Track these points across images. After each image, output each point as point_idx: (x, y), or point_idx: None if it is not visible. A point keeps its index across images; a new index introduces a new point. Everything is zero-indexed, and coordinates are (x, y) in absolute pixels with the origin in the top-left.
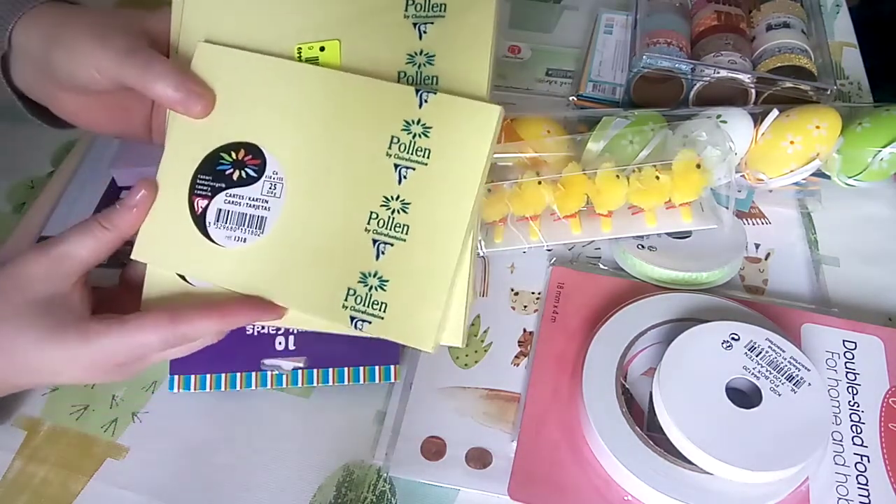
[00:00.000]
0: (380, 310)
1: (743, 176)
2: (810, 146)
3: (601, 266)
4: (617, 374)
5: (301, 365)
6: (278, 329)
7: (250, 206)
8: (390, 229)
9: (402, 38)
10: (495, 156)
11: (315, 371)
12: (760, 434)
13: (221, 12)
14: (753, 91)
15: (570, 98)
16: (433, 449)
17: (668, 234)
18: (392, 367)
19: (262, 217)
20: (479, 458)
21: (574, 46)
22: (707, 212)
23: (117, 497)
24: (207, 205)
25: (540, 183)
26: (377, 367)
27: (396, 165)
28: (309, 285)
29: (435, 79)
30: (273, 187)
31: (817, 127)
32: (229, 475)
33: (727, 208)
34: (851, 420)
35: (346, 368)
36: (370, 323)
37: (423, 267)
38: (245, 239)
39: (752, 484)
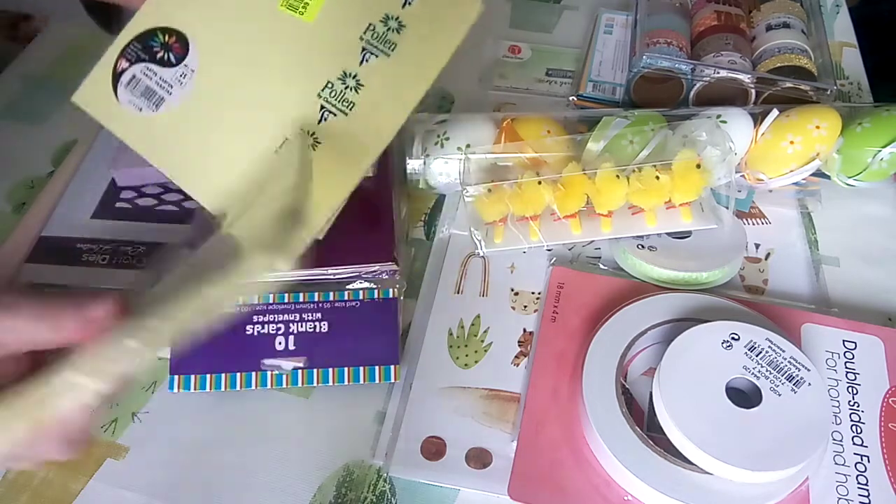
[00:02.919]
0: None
1: (743, 176)
2: (810, 146)
3: (601, 266)
4: (617, 374)
5: (301, 365)
6: (278, 329)
7: (158, 84)
8: (339, 102)
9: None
10: (495, 156)
11: (315, 371)
12: (760, 434)
13: None
14: (753, 91)
15: (570, 98)
16: (433, 449)
17: (668, 234)
18: (392, 367)
19: (161, 98)
20: (479, 458)
21: (574, 46)
22: (707, 212)
23: (117, 497)
24: (126, 68)
25: (540, 183)
26: (377, 367)
27: (364, 49)
28: (200, 167)
29: (394, 45)
30: (183, 76)
31: (817, 127)
32: (229, 475)
33: (727, 208)
34: (851, 420)
35: (346, 368)
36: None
37: (347, 148)
38: (141, 109)
39: (752, 484)
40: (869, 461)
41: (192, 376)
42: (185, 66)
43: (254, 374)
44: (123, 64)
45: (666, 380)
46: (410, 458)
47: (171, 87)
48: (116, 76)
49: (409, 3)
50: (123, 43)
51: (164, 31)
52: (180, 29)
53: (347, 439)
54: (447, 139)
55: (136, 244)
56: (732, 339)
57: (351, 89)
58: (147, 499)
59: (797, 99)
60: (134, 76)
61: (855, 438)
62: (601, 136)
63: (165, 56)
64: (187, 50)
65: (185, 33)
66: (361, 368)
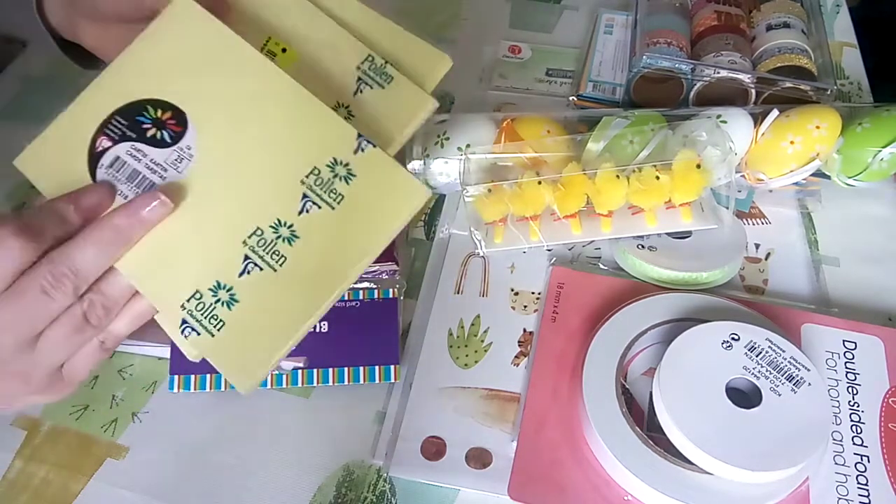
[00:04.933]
0: (215, 326)
1: (743, 176)
2: (810, 146)
3: (601, 266)
4: (617, 374)
5: (301, 365)
6: None
7: (148, 168)
8: (267, 253)
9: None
10: (495, 156)
11: (315, 371)
12: (760, 434)
13: None
14: (753, 91)
15: (570, 98)
16: (433, 449)
17: (668, 234)
18: (392, 367)
19: (153, 183)
20: (479, 458)
21: (574, 46)
22: (707, 212)
23: (117, 497)
24: (110, 147)
25: (540, 183)
26: (377, 367)
27: (305, 196)
28: (161, 268)
29: (341, 197)
30: (179, 161)
31: (817, 127)
32: (229, 475)
33: (727, 208)
34: (851, 420)
35: (346, 368)
36: (199, 334)
37: (279, 306)
38: (127, 196)
39: (752, 484)
40: (869, 461)
41: (192, 376)
42: (185, 148)
43: None
44: (105, 142)
45: (666, 380)
46: (410, 458)
47: (166, 171)
48: (94, 157)
49: (363, 150)
50: (100, 116)
51: (157, 103)
52: (179, 104)
53: (347, 439)
54: (447, 139)
55: None
56: (732, 339)
57: (284, 240)
58: (147, 499)
59: (797, 99)
60: (118, 157)
61: (855, 438)
62: (601, 136)
63: (158, 134)
64: (186, 129)
65: (183, 109)
66: (361, 368)
